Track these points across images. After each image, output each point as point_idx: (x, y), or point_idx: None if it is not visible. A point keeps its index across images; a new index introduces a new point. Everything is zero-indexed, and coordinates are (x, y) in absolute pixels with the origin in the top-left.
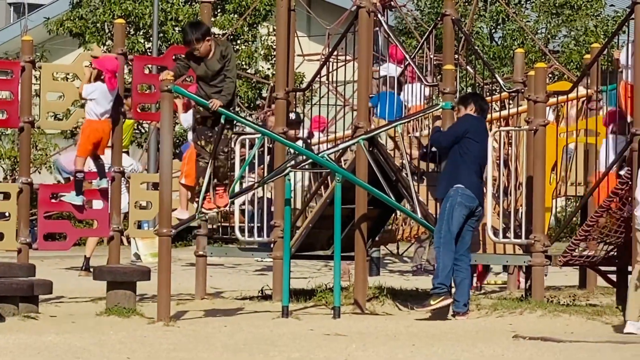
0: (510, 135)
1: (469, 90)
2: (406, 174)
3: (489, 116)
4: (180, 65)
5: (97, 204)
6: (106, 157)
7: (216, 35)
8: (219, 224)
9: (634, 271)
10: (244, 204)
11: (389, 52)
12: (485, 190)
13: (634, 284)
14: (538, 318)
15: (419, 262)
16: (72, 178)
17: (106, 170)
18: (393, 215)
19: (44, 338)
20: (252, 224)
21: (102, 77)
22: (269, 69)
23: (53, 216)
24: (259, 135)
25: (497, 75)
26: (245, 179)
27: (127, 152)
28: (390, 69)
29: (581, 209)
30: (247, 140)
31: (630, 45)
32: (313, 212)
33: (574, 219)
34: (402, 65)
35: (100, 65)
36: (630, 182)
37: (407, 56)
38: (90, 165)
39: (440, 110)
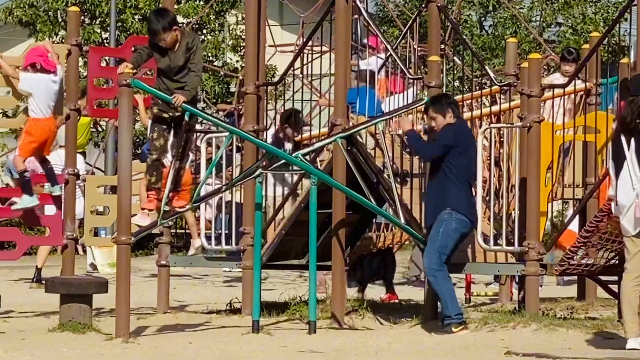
0: (501, 132)
1: (457, 84)
2: (388, 175)
3: (477, 112)
4: (143, 52)
5: (50, 209)
6: (60, 157)
7: (180, 25)
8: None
9: (622, 282)
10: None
11: (370, 43)
12: (475, 197)
13: (625, 298)
14: (532, 332)
15: (417, 272)
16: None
17: (59, 172)
18: (374, 220)
19: None
20: (219, 231)
21: (39, 67)
22: (237, 61)
23: (2, 223)
24: (227, 133)
25: (487, 68)
26: (211, 181)
27: (84, 153)
28: (371, 63)
29: (580, 213)
30: (214, 139)
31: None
32: (286, 218)
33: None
34: (384, 56)
35: (29, 58)
36: None
37: (389, 47)
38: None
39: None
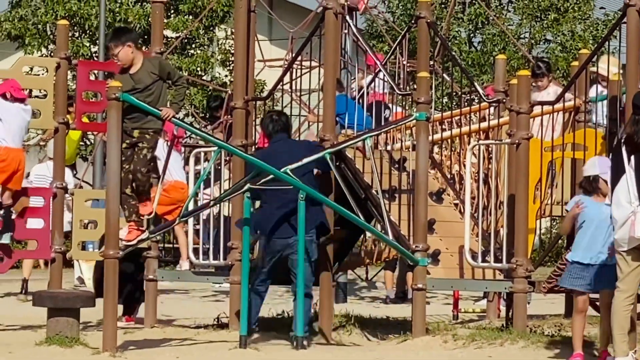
0: (490, 149)
1: (446, 100)
2: (376, 191)
3: (466, 128)
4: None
5: (36, 222)
6: (49, 169)
7: (168, 39)
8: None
9: (614, 301)
10: (198, 223)
11: (368, 62)
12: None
13: (616, 318)
14: (520, 350)
15: (404, 287)
16: None
17: (46, 185)
18: (362, 236)
19: None
20: (207, 246)
21: (9, 96)
22: (226, 75)
23: None
24: (215, 148)
25: (476, 84)
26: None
27: (74, 166)
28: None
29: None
30: (202, 154)
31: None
32: None
33: (560, 241)
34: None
35: (1, 89)
36: None
37: (378, 62)
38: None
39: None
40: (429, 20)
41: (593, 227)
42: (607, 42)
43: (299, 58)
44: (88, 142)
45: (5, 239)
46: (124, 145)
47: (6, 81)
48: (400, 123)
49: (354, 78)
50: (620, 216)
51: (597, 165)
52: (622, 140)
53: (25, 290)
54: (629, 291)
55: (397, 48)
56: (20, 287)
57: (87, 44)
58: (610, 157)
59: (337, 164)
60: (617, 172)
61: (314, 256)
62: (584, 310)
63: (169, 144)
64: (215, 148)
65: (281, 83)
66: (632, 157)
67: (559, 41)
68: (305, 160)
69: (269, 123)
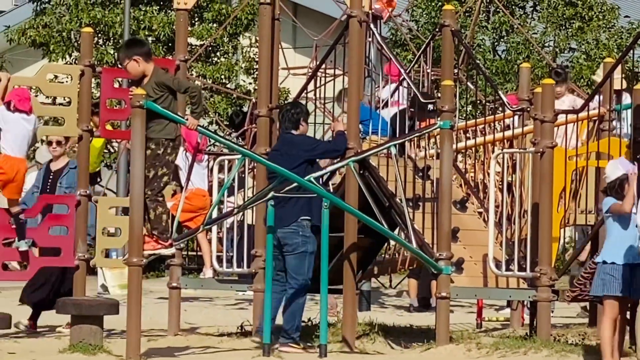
0: (514, 158)
1: (470, 108)
2: (400, 199)
3: (490, 137)
4: None
5: (61, 229)
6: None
7: (192, 46)
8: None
9: (639, 308)
10: (221, 231)
11: (386, 71)
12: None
13: None
14: (544, 358)
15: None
16: None
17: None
18: (385, 245)
19: None
20: (230, 253)
21: (12, 106)
22: (250, 83)
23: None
24: (239, 156)
25: (500, 92)
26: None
27: (98, 174)
28: (385, 91)
29: (592, 239)
30: (226, 162)
31: None
32: None
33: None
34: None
35: (10, 95)
36: None
37: (402, 70)
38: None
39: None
40: (453, 29)
41: (624, 228)
42: (631, 51)
43: (323, 66)
44: (112, 150)
45: (25, 245)
46: None
47: (19, 89)
48: (425, 131)
49: (378, 86)
50: None
51: (620, 168)
52: None
53: None
54: None
55: (422, 56)
56: None
57: (112, 52)
58: (638, 163)
59: (361, 172)
60: None
61: (303, 248)
62: (615, 316)
63: (186, 154)
64: (239, 156)
65: (305, 91)
66: None
67: (584, 50)
68: (329, 168)
69: (280, 115)
